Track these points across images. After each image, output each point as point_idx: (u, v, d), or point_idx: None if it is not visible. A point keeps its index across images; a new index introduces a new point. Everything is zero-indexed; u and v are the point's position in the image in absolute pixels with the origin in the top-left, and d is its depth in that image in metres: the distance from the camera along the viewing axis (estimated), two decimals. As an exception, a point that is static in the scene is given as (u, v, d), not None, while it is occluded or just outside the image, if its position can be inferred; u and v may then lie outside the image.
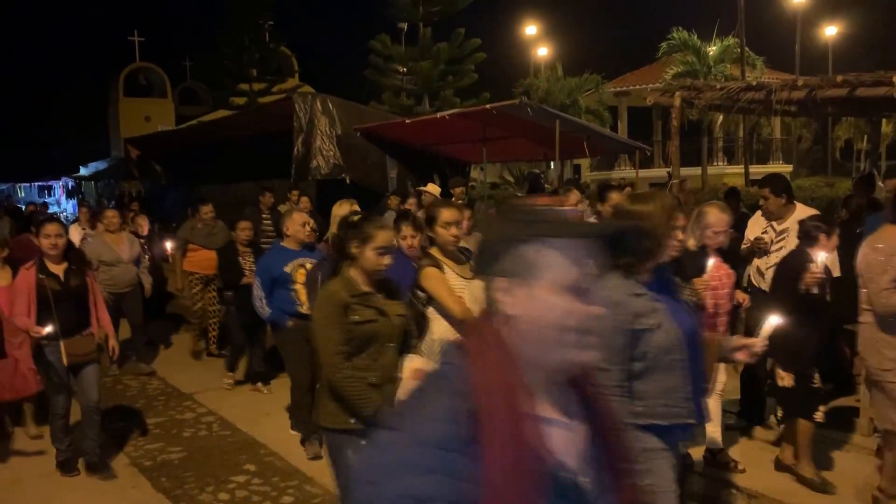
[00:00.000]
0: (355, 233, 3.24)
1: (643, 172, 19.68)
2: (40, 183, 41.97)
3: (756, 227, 5.51)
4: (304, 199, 9.40)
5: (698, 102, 9.86)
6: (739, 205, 8.31)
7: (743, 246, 5.51)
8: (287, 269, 5.32)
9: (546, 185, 14.86)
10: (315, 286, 4.25)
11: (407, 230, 4.41)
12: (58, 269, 4.90)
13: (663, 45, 25.93)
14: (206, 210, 8.45)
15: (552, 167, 18.22)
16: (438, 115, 10.44)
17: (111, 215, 7.77)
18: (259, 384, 6.97)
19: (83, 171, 34.57)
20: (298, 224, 5.45)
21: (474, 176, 16.37)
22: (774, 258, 5.11)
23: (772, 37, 27.82)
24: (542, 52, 29.60)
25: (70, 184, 37.00)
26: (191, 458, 5.36)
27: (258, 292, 5.34)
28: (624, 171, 25.28)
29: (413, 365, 3.17)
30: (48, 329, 4.69)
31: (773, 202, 5.21)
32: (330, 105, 10.39)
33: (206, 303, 8.14)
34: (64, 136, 46.79)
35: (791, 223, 4.99)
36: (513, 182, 24.17)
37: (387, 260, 3.24)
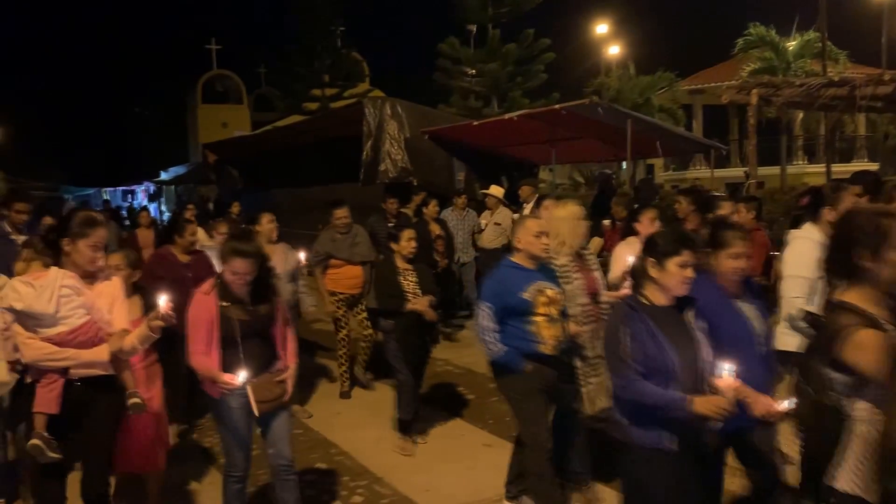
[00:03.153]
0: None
1: (719, 172, 19.15)
2: (124, 188, 43.77)
3: None
4: (433, 201, 8.87)
5: (776, 100, 9.56)
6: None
7: None
8: (525, 294, 4.03)
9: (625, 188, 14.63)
10: (615, 347, 2.95)
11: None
12: (243, 292, 3.78)
13: (740, 41, 25.22)
14: (341, 214, 6.75)
15: (624, 168, 17.93)
16: (506, 116, 10.40)
17: (267, 220, 6.12)
18: (416, 436, 5.56)
19: (164, 176, 35.89)
20: (532, 234, 4.14)
21: (543, 177, 16.24)
22: None
23: (856, 30, 26.66)
24: (614, 50, 29.15)
25: (151, 188, 38.45)
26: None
27: (487, 323, 4.05)
28: (699, 171, 24.67)
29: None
30: (242, 377, 3.57)
31: (866, 201, 4.97)
32: (399, 108, 10.48)
33: (359, 326, 6.84)
34: (145, 143, 48.63)
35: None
36: (583, 183, 23.89)
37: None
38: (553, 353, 4.04)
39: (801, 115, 22.83)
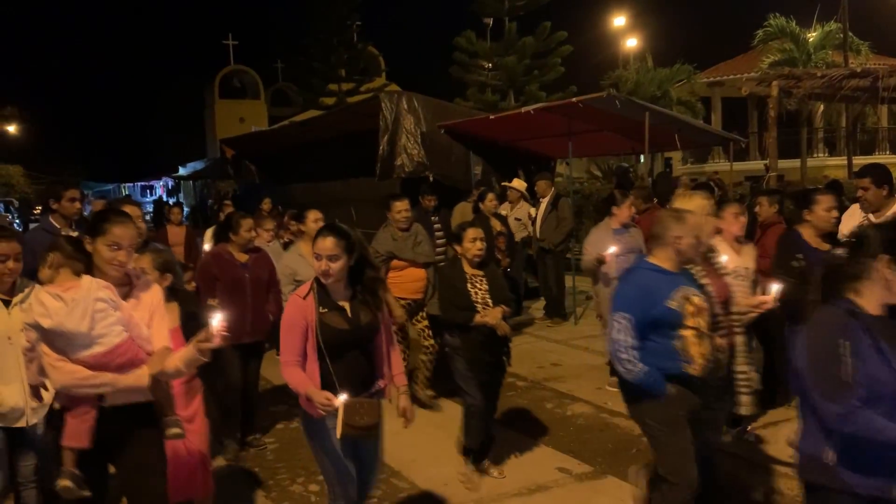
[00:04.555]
0: None
1: (738, 165, 18.98)
2: (142, 183, 44.15)
3: (852, 220, 5.19)
4: (491, 195, 8.44)
5: (797, 91, 9.46)
6: (842, 198, 7.90)
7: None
8: (672, 303, 3.39)
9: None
10: (831, 366, 2.40)
11: None
12: (342, 299, 3.33)
13: (759, 32, 24.92)
14: (402, 208, 6.03)
15: (642, 161, 17.82)
16: (523, 110, 10.35)
17: (314, 219, 5.53)
18: (490, 467, 4.88)
19: (182, 171, 36.19)
20: (690, 231, 3.47)
21: (560, 171, 16.17)
22: None
23: (878, 20, 26.29)
24: (632, 42, 28.97)
25: (170, 183, 38.76)
26: (283, 449, 5.49)
27: (624, 338, 3.37)
28: (718, 164, 24.49)
29: None
30: (343, 398, 3.07)
31: (873, 193, 4.91)
32: (415, 103, 10.46)
33: (419, 336, 6.27)
34: (163, 138, 49.14)
35: (892, 216, 4.71)
36: (600, 177, 23.77)
37: None
38: (701, 375, 3.45)
39: (821, 107, 22.55)
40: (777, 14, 24.46)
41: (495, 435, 4.93)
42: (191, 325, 3.62)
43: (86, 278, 2.90)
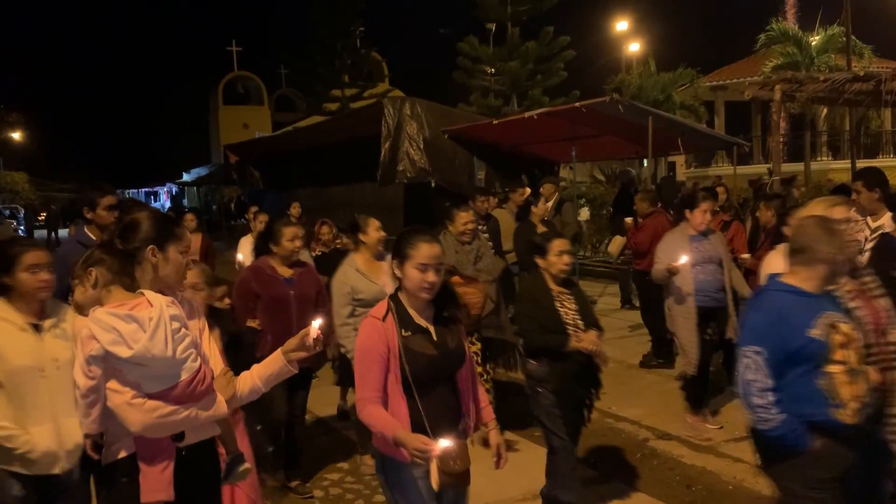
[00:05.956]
0: None
1: (742, 169, 18.95)
2: (147, 189, 44.27)
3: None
4: (542, 199, 7.63)
5: (800, 95, 9.43)
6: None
7: None
8: (815, 332, 2.77)
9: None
10: None
11: None
12: (424, 320, 2.83)
13: (762, 36, 24.92)
14: (467, 219, 5.41)
15: (645, 165, 17.81)
16: (526, 115, 10.36)
17: (375, 228, 4.81)
18: None
19: (186, 177, 36.30)
20: (843, 245, 2.89)
21: (564, 175, 16.19)
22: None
23: (881, 23, 26.26)
24: (634, 47, 29.00)
25: (174, 189, 38.86)
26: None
27: (758, 378, 2.76)
28: (721, 168, 24.47)
29: None
30: (444, 443, 2.53)
31: (865, 196, 4.90)
32: (418, 108, 10.49)
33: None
34: (167, 144, 49.36)
35: (886, 220, 4.72)
36: (603, 181, 23.77)
37: None
38: (855, 422, 2.77)
39: (825, 110, 22.54)
40: (779, 18, 24.49)
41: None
42: (232, 348, 3.20)
43: (151, 294, 2.46)
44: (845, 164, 20.66)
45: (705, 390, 5.82)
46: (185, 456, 2.51)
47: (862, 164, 19.37)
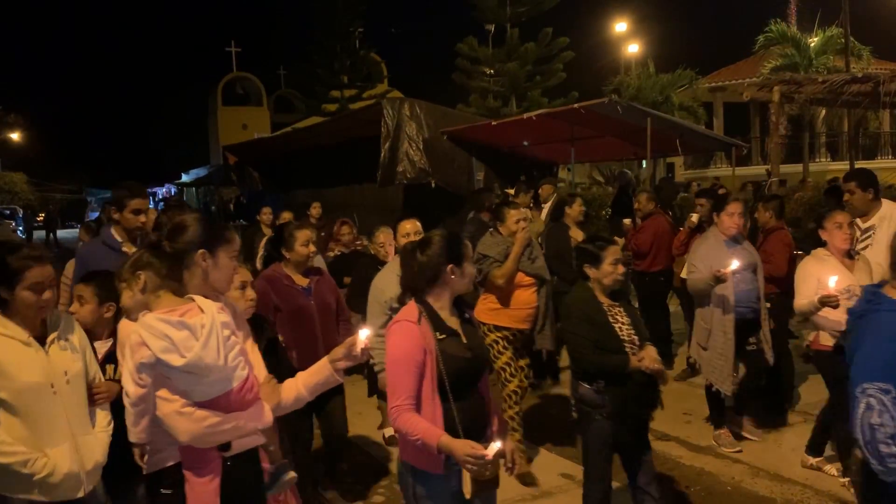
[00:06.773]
0: None
1: (740, 170, 19.00)
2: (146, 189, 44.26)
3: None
4: (578, 200, 7.09)
5: (799, 97, 9.46)
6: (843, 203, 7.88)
7: None
8: None
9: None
10: None
11: None
12: (454, 320, 2.76)
13: (760, 38, 24.96)
14: (518, 216, 4.92)
15: (644, 166, 17.85)
16: (525, 116, 10.39)
17: (410, 227, 4.51)
18: None
19: (185, 178, 36.29)
20: None
21: (562, 176, 16.21)
22: None
23: (880, 25, 26.30)
24: (633, 48, 29.05)
25: (173, 190, 38.86)
26: (286, 455, 5.47)
27: (883, 421, 2.22)
28: (720, 170, 24.50)
29: None
30: (496, 446, 2.45)
31: (859, 197, 4.93)
32: (417, 109, 10.51)
33: (499, 377, 4.82)
34: (166, 145, 49.40)
35: (877, 220, 4.77)
36: (602, 182, 23.78)
37: None
38: None
39: (823, 111, 22.57)
40: (778, 19, 24.53)
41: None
42: (269, 355, 3.03)
43: (202, 299, 2.37)
44: (844, 165, 20.68)
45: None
46: (230, 466, 2.43)
47: (860, 165, 19.42)
